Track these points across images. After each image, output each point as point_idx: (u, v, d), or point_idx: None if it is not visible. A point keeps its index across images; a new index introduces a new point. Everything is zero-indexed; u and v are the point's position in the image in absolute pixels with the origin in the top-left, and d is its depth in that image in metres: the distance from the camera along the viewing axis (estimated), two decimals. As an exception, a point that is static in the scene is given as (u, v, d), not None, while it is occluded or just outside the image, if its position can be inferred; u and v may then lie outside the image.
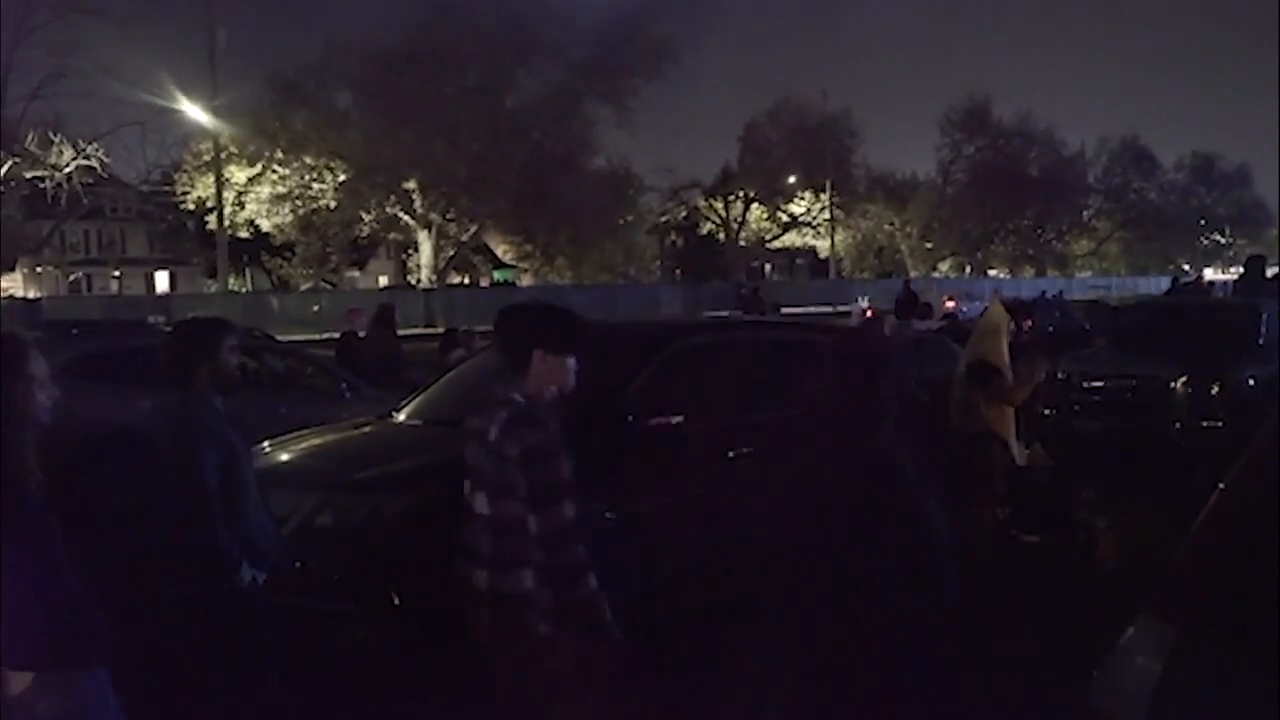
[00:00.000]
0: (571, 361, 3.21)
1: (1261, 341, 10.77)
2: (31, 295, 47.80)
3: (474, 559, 3.16)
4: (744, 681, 4.72)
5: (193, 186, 40.90)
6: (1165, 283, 38.51)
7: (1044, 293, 31.35)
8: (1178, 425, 9.90)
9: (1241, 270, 17.66)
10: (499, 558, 3.08)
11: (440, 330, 15.02)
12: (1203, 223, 79.32)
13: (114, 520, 7.74)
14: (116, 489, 8.35)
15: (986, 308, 8.25)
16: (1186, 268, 72.00)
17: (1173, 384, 10.08)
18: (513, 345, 3.22)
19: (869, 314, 22.13)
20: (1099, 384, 10.73)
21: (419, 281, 46.91)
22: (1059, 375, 10.99)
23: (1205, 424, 9.77)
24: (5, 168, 31.33)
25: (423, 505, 4.99)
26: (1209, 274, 60.83)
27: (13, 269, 50.68)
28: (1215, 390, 9.93)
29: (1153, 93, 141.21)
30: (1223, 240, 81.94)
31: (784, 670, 4.25)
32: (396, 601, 4.87)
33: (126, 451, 8.60)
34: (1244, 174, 77.93)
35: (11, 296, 44.30)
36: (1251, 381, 10.06)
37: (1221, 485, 2.56)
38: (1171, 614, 2.17)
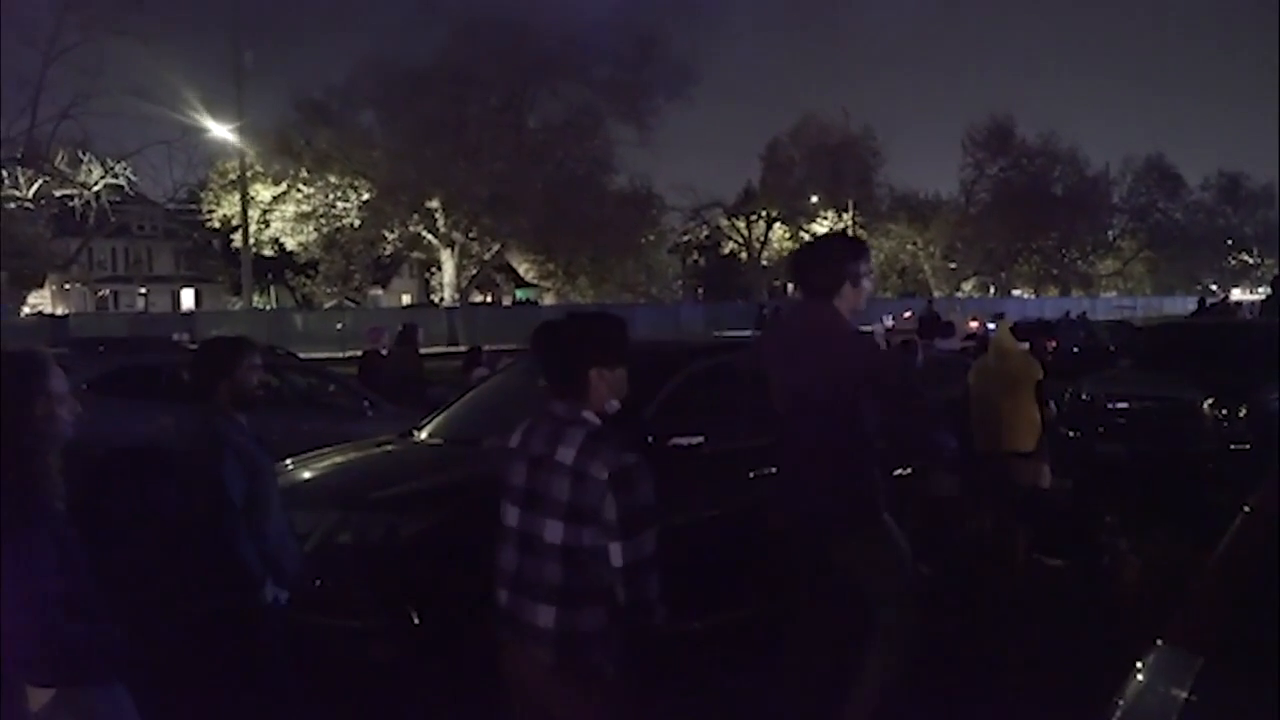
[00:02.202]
0: (624, 371, 2.98)
1: (1289, 363, 10.66)
2: (59, 312, 48.28)
3: (533, 592, 2.83)
4: (764, 699, 4.69)
5: (218, 205, 41.35)
6: (1191, 303, 38.21)
7: (1068, 313, 31.20)
8: (1204, 448, 9.79)
9: (1269, 290, 17.50)
10: (573, 592, 2.78)
11: (464, 349, 15.04)
12: (1229, 242, 78.68)
13: (137, 536, 7.80)
14: (140, 505, 8.42)
15: (992, 331, 8.26)
16: (1214, 288, 71.45)
17: (1199, 406, 9.99)
18: (566, 366, 2.93)
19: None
20: (1123, 405, 10.64)
21: (441, 300, 47.14)
22: (1083, 396, 10.92)
23: (1232, 446, 9.67)
24: (35, 186, 31.73)
25: (443, 524, 5.00)
26: (1236, 294, 60.34)
27: (41, 285, 51.31)
28: (1242, 412, 9.83)
29: (1178, 112, 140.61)
30: (1250, 260, 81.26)
31: (803, 690, 4.23)
32: (416, 621, 4.87)
33: (150, 468, 8.66)
34: (1271, 193, 77.31)
35: (40, 313, 44.80)
36: (1279, 404, 9.95)
37: (1246, 508, 2.52)
38: (1196, 641, 2.14)
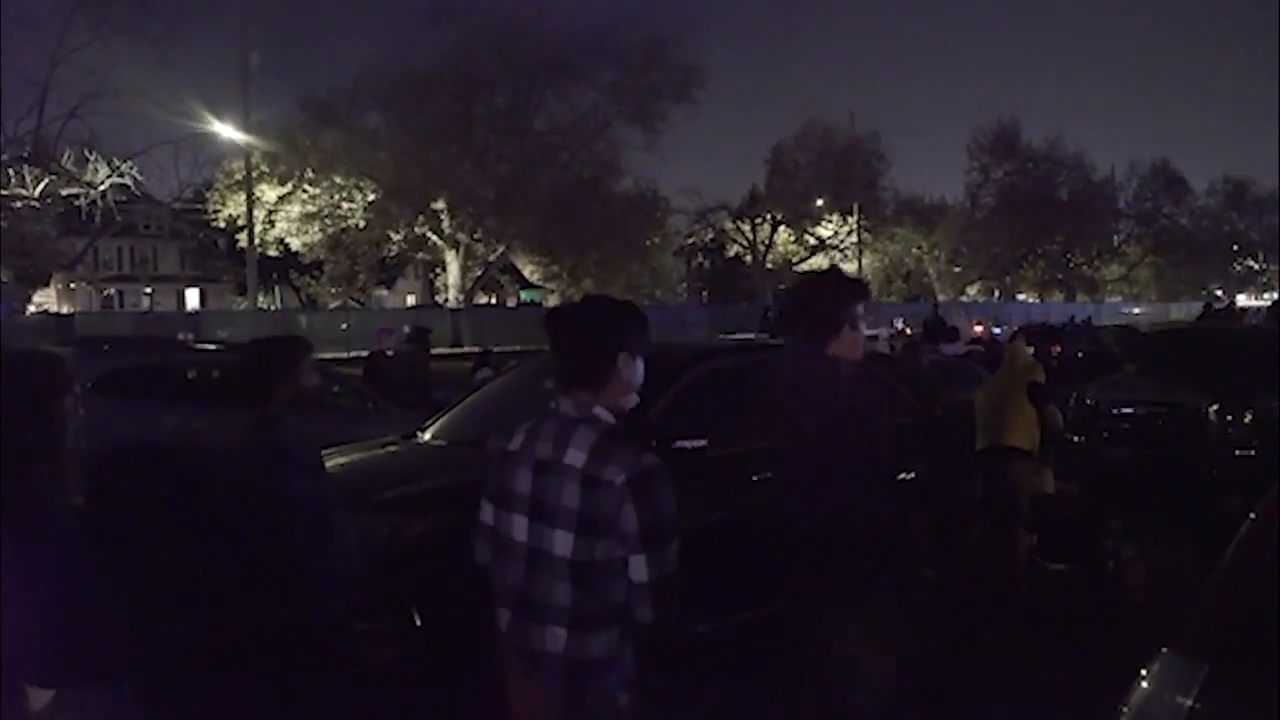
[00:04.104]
0: (642, 365, 2.63)
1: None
2: (64, 310, 48.35)
3: (542, 614, 2.52)
4: (768, 702, 4.68)
5: (224, 205, 41.39)
6: (1198, 308, 38.13)
7: (1073, 317, 31.17)
8: (1209, 453, 9.77)
9: (1277, 296, 17.48)
10: (583, 613, 2.47)
11: (468, 350, 15.10)
12: (1235, 248, 78.54)
13: (139, 536, 7.81)
14: (143, 505, 8.42)
15: (997, 334, 8.25)
16: (1220, 293, 71.30)
17: (1204, 411, 9.96)
18: (590, 349, 2.57)
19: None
20: (1128, 411, 10.61)
21: (446, 301, 47.17)
22: (1088, 401, 10.90)
23: (1237, 452, 9.64)
24: (42, 185, 31.78)
25: (445, 526, 4.99)
26: (1242, 300, 60.20)
27: (47, 284, 51.39)
28: (1247, 418, 9.80)
29: (1183, 117, 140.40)
30: (1256, 266, 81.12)
31: (807, 696, 4.21)
32: (418, 622, 4.87)
33: (153, 467, 8.68)
34: (1278, 199, 77.19)
35: (45, 311, 44.87)
36: (1284, 410, 9.92)
37: (1252, 515, 2.51)
38: (1201, 649, 2.13)
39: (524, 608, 2.57)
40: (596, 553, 2.45)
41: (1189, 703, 2.03)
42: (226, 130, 32.30)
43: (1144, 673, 2.17)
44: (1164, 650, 2.18)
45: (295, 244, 43.96)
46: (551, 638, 2.49)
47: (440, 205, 43.10)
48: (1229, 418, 9.87)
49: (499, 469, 2.68)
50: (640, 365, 2.61)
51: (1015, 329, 12.14)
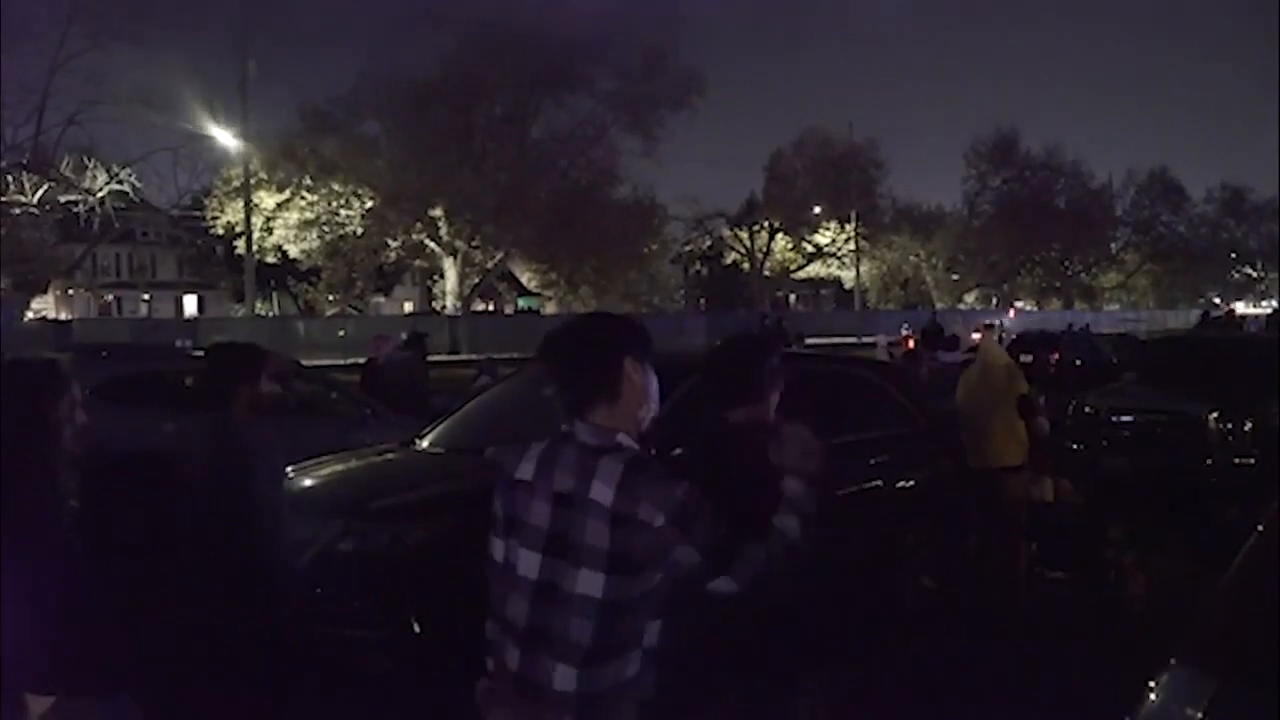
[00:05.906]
0: (654, 377, 2.46)
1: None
2: (63, 317, 48.33)
3: (551, 649, 2.33)
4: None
5: (222, 212, 41.39)
6: (1196, 316, 38.05)
7: (1070, 325, 31.14)
8: (1209, 462, 9.76)
9: (1276, 304, 17.51)
10: (601, 649, 2.30)
11: (464, 357, 15.07)
12: (1233, 256, 78.59)
13: (138, 544, 7.78)
14: (145, 512, 8.39)
15: (976, 342, 8.14)
16: (1218, 301, 71.32)
17: (1204, 419, 9.95)
18: (597, 358, 2.40)
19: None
20: (1128, 419, 10.60)
21: (444, 308, 47.19)
22: (1087, 410, 10.88)
23: (1237, 461, 9.63)
24: (40, 191, 31.80)
25: (444, 534, 4.97)
26: (1240, 308, 60.18)
27: (45, 291, 51.35)
28: (1248, 426, 9.79)
29: (1181, 125, 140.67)
30: (1254, 274, 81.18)
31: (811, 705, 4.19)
32: (417, 629, 4.85)
33: (152, 475, 8.64)
34: (1276, 207, 77.21)
35: (43, 318, 44.85)
36: (1284, 418, 9.91)
37: (1260, 527, 2.49)
38: (1211, 662, 2.11)
39: (530, 644, 2.38)
40: (633, 590, 2.30)
41: (1199, 715, 2.01)
42: (225, 137, 32.39)
43: (1152, 684, 2.15)
44: (1173, 662, 2.16)
45: (293, 251, 43.95)
46: (562, 675, 2.31)
47: (438, 212, 43.13)
48: (1229, 426, 9.86)
49: (506, 498, 2.48)
50: (652, 374, 2.46)
51: (987, 324, 12.03)
